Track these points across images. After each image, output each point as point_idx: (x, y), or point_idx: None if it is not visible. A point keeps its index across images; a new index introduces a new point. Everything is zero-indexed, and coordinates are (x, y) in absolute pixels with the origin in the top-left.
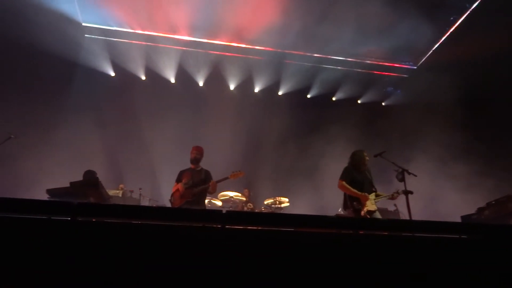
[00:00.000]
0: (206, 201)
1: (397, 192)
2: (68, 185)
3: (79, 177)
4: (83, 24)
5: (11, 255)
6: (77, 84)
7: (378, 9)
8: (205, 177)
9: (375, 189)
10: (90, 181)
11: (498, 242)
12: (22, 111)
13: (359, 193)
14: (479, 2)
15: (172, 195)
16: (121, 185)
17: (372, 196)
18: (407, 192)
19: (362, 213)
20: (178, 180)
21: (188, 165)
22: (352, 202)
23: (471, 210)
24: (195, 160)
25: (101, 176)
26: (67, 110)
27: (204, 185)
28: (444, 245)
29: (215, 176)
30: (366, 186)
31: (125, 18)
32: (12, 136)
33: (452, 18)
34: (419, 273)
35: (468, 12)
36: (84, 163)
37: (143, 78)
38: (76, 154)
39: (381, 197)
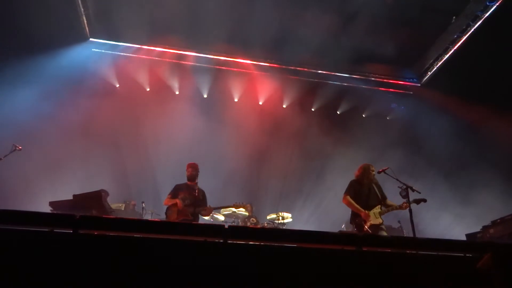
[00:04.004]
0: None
1: (408, 202)
2: (71, 197)
3: (82, 190)
4: (90, 39)
5: (13, 268)
6: (82, 95)
7: (383, 28)
8: (202, 197)
9: (384, 201)
10: (93, 194)
11: (504, 260)
12: (27, 123)
13: (361, 210)
14: (482, 22)
15: (168, 208)
16: (132, 202)
17: (376, 209)
18: (419, 201)
19: (365, 228)
20: (174, 195)
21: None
22: (355, 218)
23: (476, 228)
24: (192, 177)
25: (104, 189)
26: (72, 122)
27: (201, 207)
28: (448, 263)
29: (215, 194)
30: (372, 199)
31: (130, 33)
32: (17, 148)
33: (455, 36)
34: None
35: (472, 30)
36: (87, 175)
37: (147, 89)
38: (79, 166)
39: (390, 209)
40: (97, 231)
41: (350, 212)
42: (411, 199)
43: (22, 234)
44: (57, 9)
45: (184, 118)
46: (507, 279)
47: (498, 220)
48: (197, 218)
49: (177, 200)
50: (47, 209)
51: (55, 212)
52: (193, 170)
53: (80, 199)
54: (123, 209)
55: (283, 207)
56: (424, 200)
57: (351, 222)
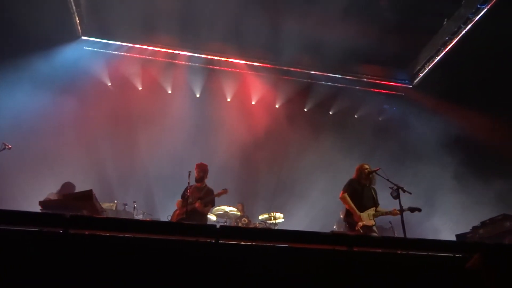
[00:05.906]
0: None
1: (401, 209)
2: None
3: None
4: (82, 37)
5: (1, 268)
6: (74, 94)
7: (376, 29)
8: (203, 195)
9: (377, 204)
10: (84, 193)
11: (493, 261)
12: (18, 122)
13: (355, 210)
14: (473, 24)
15: (174, 211)
16: (124, 202)
17: (371, 211)
18: (413, 209)
19: (357, 227)
20: (182, 196)
21: (186, 179)
22: (348, 216)
23: (466, 228)
24: (197, 179)
25: (95, 188)
26: (64, 121)
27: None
28: (438, 263)
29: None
30: (366, 200)
31: (123, 32)
32: (7, 146)
33: (447, 39)
34: None
35: (463, 33)
36: (79, 174)
37: (140, 88)
38: (69, 165)
39: (381, 213)
40: (87, 231)
41: (345, 210)
42: (402, 201)
43: (11, 233)
44: (49, 7)
45: (176, 118)
46: (496, 279)
47: (487, 221)
48: (197, 216)
49: (179, 201)
50: (37, 208)
51: (45, 211)
52: (199, 171)
53: (71, 199)
54: (114, 209)
55: (275, 207)
56: (419, 210)
57: (344, 220)
